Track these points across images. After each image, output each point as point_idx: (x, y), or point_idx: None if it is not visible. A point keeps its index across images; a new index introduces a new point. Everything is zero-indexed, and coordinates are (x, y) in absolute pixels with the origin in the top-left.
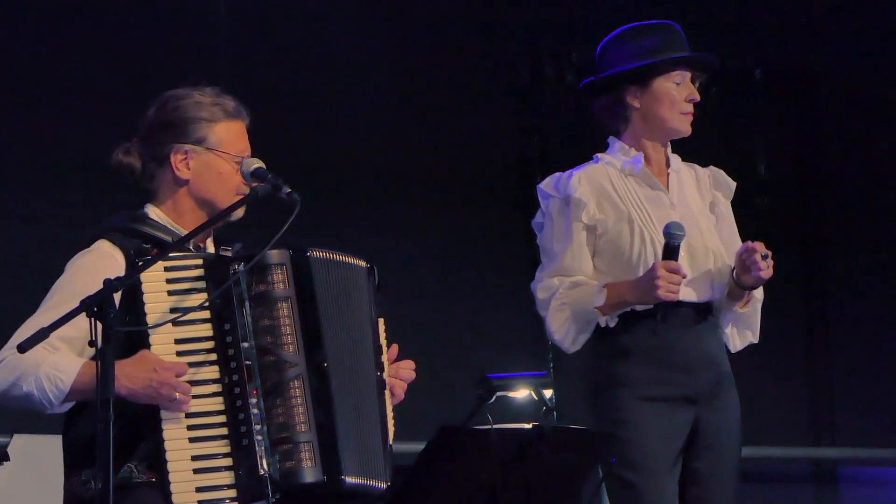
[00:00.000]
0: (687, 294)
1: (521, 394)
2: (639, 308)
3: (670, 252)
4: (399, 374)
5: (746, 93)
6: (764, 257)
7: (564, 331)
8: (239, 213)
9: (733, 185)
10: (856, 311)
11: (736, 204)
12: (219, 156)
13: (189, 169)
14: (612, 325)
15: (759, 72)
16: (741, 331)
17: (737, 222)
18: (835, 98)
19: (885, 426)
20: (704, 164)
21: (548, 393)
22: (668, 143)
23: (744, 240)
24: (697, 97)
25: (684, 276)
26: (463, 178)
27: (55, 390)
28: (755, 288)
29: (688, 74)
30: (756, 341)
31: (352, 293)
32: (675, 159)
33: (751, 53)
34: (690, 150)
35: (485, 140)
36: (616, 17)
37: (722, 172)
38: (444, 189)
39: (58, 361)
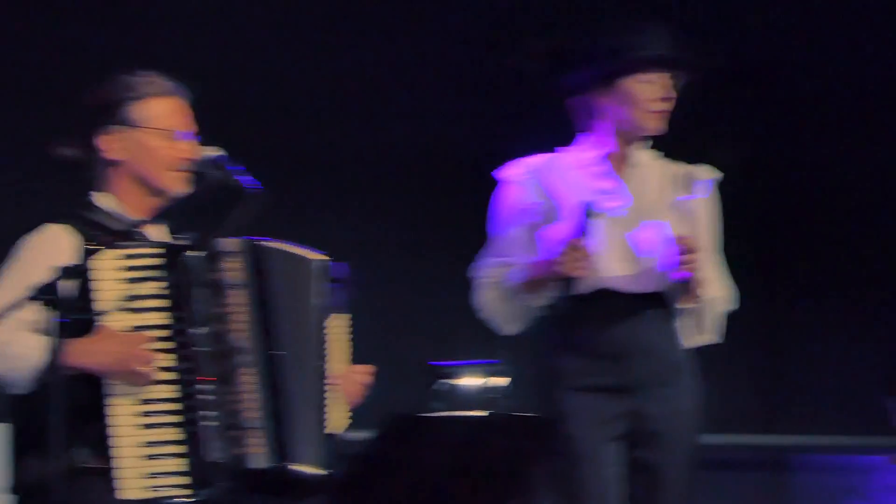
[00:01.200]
0: (624, 283)
1: (474, 382)
2: (579, 291)
3: (584, 231)
4: (354, 377)
5: (714, 86)
6: (686, 251)
7: (493, 310)
8: (178, 186)
9: (708, 178)
10: (808, 300)
11: None
12: (147, 132)
13: (121, 150)
14: (537, 305)
15: (725, 64)
16: (691, 328)
17: None
18: (800, 91)
19: (836, 414)
20: (676, 159)
21: (501, 381)
22: (642, 141)
23: None
24: (670, 96)
25: (591, 255)
26: (420, 166)
27: (26, 368)
28: (690, 285)
29: (664, 74)
30: (714, 340)
31: (305, 285)
32: (642, 154)
33: (717, 46)
34: (659, 142)
35: (439, 133)
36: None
37: (698, 168)
38: (399, 175)
39: (28, 339)
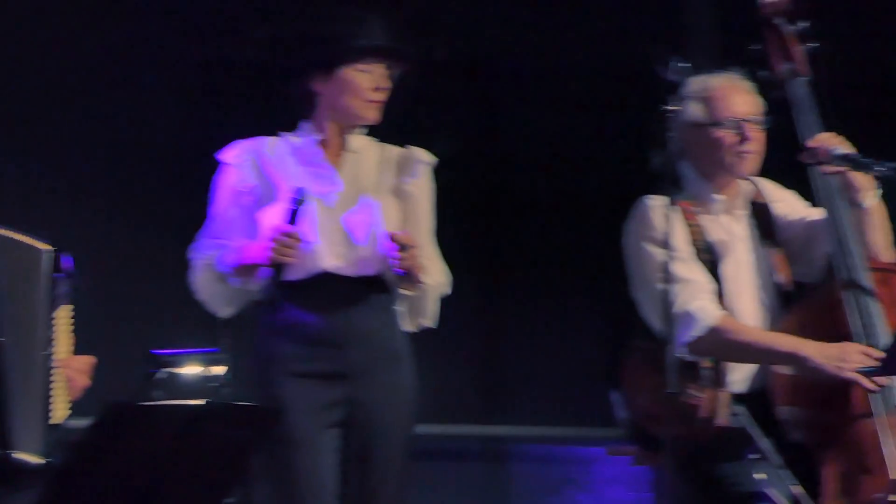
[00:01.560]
0: (338, 267)
1: (192, 370)
2: (293, 277)
3: (291, 216)
4: (77, 366)
5: (425, 78)
6: (402, 248)
7: (208, 293)
8: None
9: (425, 160)
10: (526, 292)
11: None
12: None
13: None
14: (250, 287)
15: (437, 57)
16: (412, 313)
17: None
18: (512, 84)
19: (554, 405)
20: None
21: (219, 370)
22: (356, 128)
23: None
24: (384, 86)
25: (299, 241)
26: (139, 154)
27: None
28: (410, 274)
29: (379, 63)
30: (430, 325)
31: (32, 274)
32: (359, 141)
33: (429, 39)
34: (370, 134)
35: (162, 116)
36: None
37: (414, 150)
38: (117, 163)
39: None
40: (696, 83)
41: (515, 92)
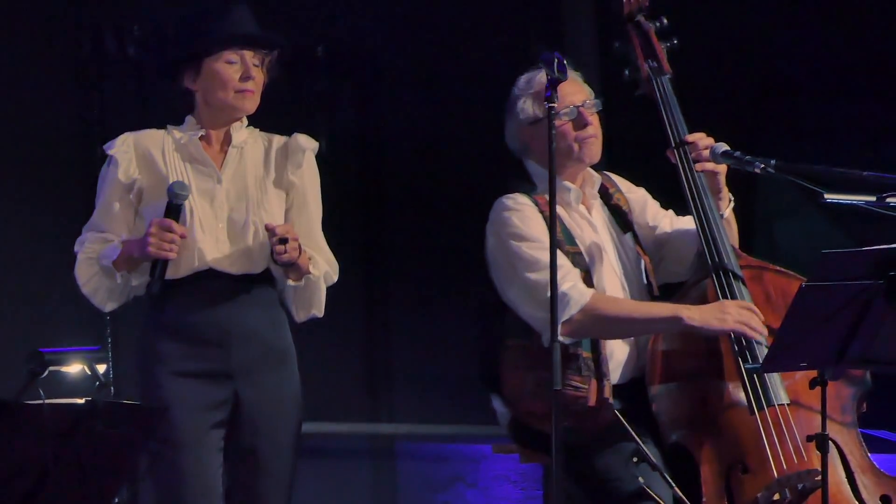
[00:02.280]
0: (222, 264)
1: (75, 368)
2: (178, 276)
3: (172, 211)
4: None
5: (308, 69)
6: (282, 241)
7: (94, 287)
8: None
9: (308, 147)
10: (414, 289)
11: None
12: None
13: None
14: (134, 283)
15: (320, 48)
16: (301, 304)
17: None
18: (394, 77)
19: (442, 403)
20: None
21: (101, 368)
22: (243, 120)
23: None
24: (253, 75)
25: (182, 236)
26: (23, 150)
27: None
28: (294, 265)
29: (246, 53)
30: (319, 315)
31: None
32: (242, 134)
33: (313, 31)
34: (253, 126)
35: (47, 112)
36: None
37: (298, 138)
38: (3, 160)
39: None
40: (524, 81)
41: (396, 85)
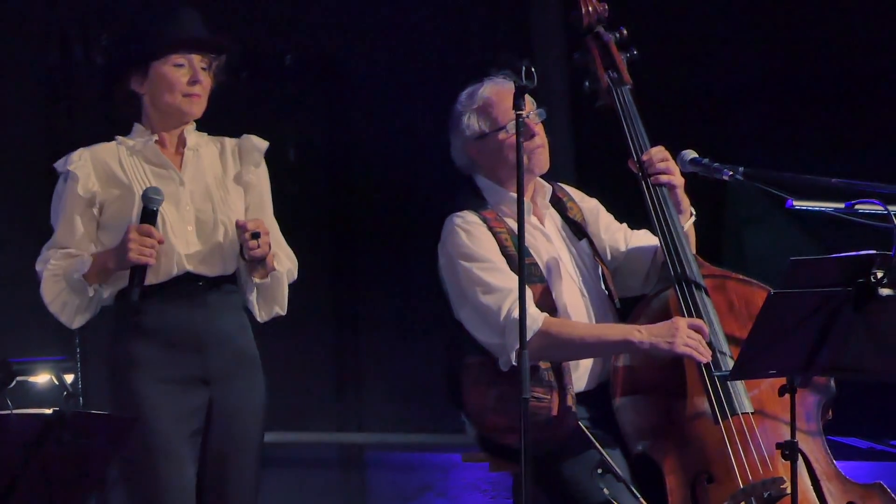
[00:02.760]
0: (195, 266)
1: (42, 378)
2: (154, 282)
3: (146, 216)
4: None
5: (277, 78)
6: (255, 236)
7: (61, 304)
8: None
9: (263, 147)
10: (383, 300)
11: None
12: None
13: None
14: (104, 296)
15: (288, 57)
16: (265, 302)
17: None
18: (363, 86)
19: (411, 412)
20: None
21: (69, 378)
22: (190, 124)
23: (280, 221)
24: (200, 78)
25: (160, 241)
26: None
27: None
28: (261, 262)
29: (194, 57)
30: (283, 313)
31: None
32: (195, 137)
33: (280, 38)
34: (220, 133)
35: (14, 120)
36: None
37: (250, 138)
38: None
39: None
40: (466, 97)
41: (365, 92)
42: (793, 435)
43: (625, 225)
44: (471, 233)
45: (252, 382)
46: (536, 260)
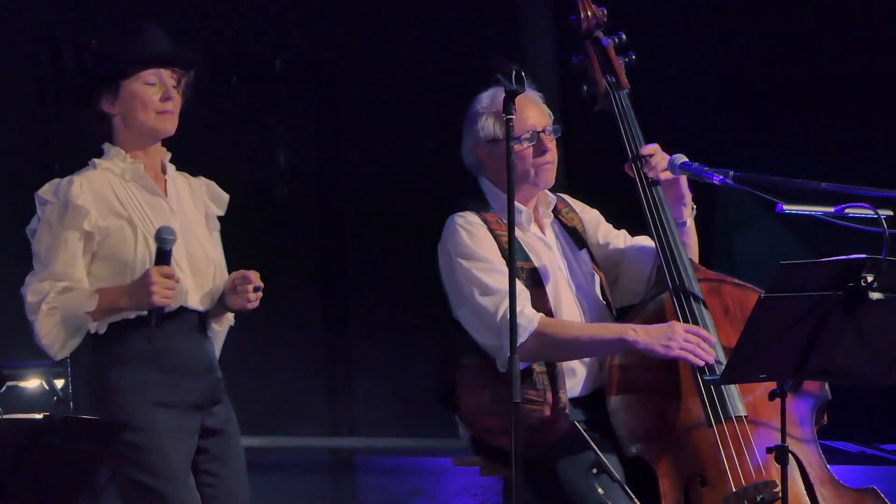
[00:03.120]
0: (192, 302)
1: (33, 383)
2: (132, 316)
3: (163, 256)
4: None
5: (267, 82)
6: (256, 290)
7: (53, 336)
8: None
9: (226, 197)
10: (373, 304)
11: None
12: None
13: None
14: (101, 331)
15: (278, 62)
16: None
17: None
18: (353, 90)
19: (402, 417)
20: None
21: (60, 383)
22: (166, 153)
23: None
24: (172, 95)
25: (177, 281)
26: None
27: None
28: (234, 311)
29: (164, 73)
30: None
31: None
32: (171, 167)
33: (270, 43)
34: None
35: (4, 127)
36: (137, 7)
37: (214, 185)
38: None
39: None
40: (487, 99)
41: (355, 99)
42: (783, 439)
43: (623, 231)
44: (472, 233)
45: (227, 406)
46: (536, 266)
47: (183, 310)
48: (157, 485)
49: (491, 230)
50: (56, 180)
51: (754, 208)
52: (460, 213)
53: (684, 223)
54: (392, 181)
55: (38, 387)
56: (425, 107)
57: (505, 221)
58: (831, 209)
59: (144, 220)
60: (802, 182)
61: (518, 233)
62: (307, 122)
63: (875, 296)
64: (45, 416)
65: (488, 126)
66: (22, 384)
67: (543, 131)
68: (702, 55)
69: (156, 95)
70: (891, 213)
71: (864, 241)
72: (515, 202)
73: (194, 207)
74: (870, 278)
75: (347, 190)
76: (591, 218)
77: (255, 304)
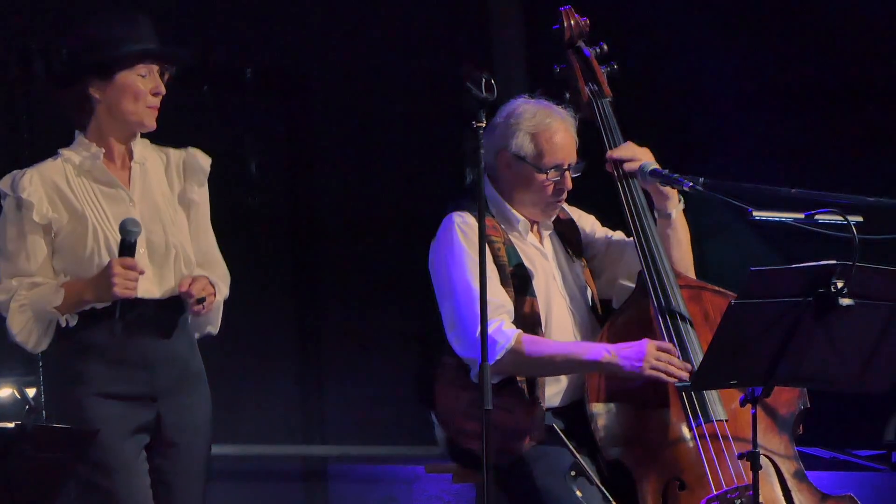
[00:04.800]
0: (147, 290)
1: (4, 392)
2: (98, 306)
3: (126, 248)
4: None
5: (237, 92)
6: (199, 301)
7: (27, 332)
8: None
9: (207, 166)
10: (345, 312)
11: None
12: None
13: None
14: (72, 323)
15: (249, 71)
16: (198, 324)
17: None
18: (323, 98)
19: (374, 424)
20: None
21: (31, 391)
22: (136, 135)
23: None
24: (162, 90)
25: (141, 273)
26: None
27: None
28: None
29: (154, 67)
30: (214, 332)
31: None
32: (141, 148)
33: (241, 53)
34: (181, 147)
35: None
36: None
37: (196, 154)
38: None
39: None
40: (528, 114)
41: (325, 106)
42: (754, 444)
43: (619, 232)
44: (468, 236)
45: (198, 398)
46: (531, 275)
47: (139, 300)
48: (104, 480)
49: (490, 235)
50: (14, 172)
51: (726, 214)
52: (459, 213)
53: (669, 215)
54: (363, 190)
55: (9, 396)
56: (395, 117)
57: (502, 227)
58: (801, 215)
59: (97, 212)
60: (772, 188)
61: (515, 240)
62: (278, 131)
63: (845, 302)
64: (16, 424)
65: (524, 144)
66: None
67: (568, 168)
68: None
69: (146, 88)
70: (860, 218)
71: (841, 247)
72: (514, 211)
73: (168, 188)
74: (840, 284)
75: (318, 199)
76: (587, 223)
77: (205, 311)
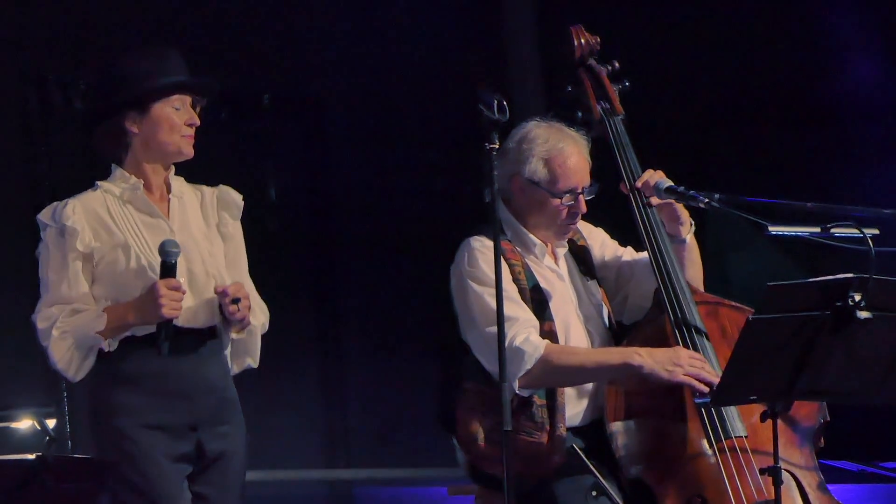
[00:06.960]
0: (186, 319)
1: (25, 424)
2: (138, 333)
3: (167, 270)
4: None
5: (255, 118)
6: (235, 301)
7: (68, 359)
8: None
9: (241, 202)
10: (369, 336)
11: (247, 228)
12: None
13: None
14: (113, 349)
15: (267, 97)
16: (238, 355)
17: (248, 247)
18: (340, 123)
19: (398, 448)
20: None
21: (51, 423)
22: (171, 168)
23: (255, 263)
24: (197, 121)
25: (184, 293)
26: None
27: None
28: (242, 321)
29: (187, 99)
30: (255, 365)
31: None
32: (178, 184)
33: (259, 79)
34: (201, 174)
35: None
36: (127, 43)
37: (229, 191)
38: None
39: None
40: (541, 138)
41: (343, 130)
42: (775, 460)
43: (629, 248)
44: (487, 257)
45: (235, 426)
46: (549, 298)
47: (179, 329)
48: None
49: (506, 258)
50: (55, 203)
51: (745, 230)
52: (477, 237)
53: (684, 241)
54: (381, 215)
55: (29, 427)
56: (411, 138)
57: (518, 250)
58: (817, 229)
59: (139, 240)
60: (788, 202)
61: (532, 264)
62: (296, 157)
63: (863, 315)
64: (37, 455)
65: (537, 170)
66: (14, 425)
67: (582, 192)
68: (691, 78)
69: (180, 119)
70: (876, 231)
71: (858, 260)
72: (531, 235)
73: (203, 221)
74: (857, 297)
75: (337, 224)
76: (597, 240)
77: (239, 314)
